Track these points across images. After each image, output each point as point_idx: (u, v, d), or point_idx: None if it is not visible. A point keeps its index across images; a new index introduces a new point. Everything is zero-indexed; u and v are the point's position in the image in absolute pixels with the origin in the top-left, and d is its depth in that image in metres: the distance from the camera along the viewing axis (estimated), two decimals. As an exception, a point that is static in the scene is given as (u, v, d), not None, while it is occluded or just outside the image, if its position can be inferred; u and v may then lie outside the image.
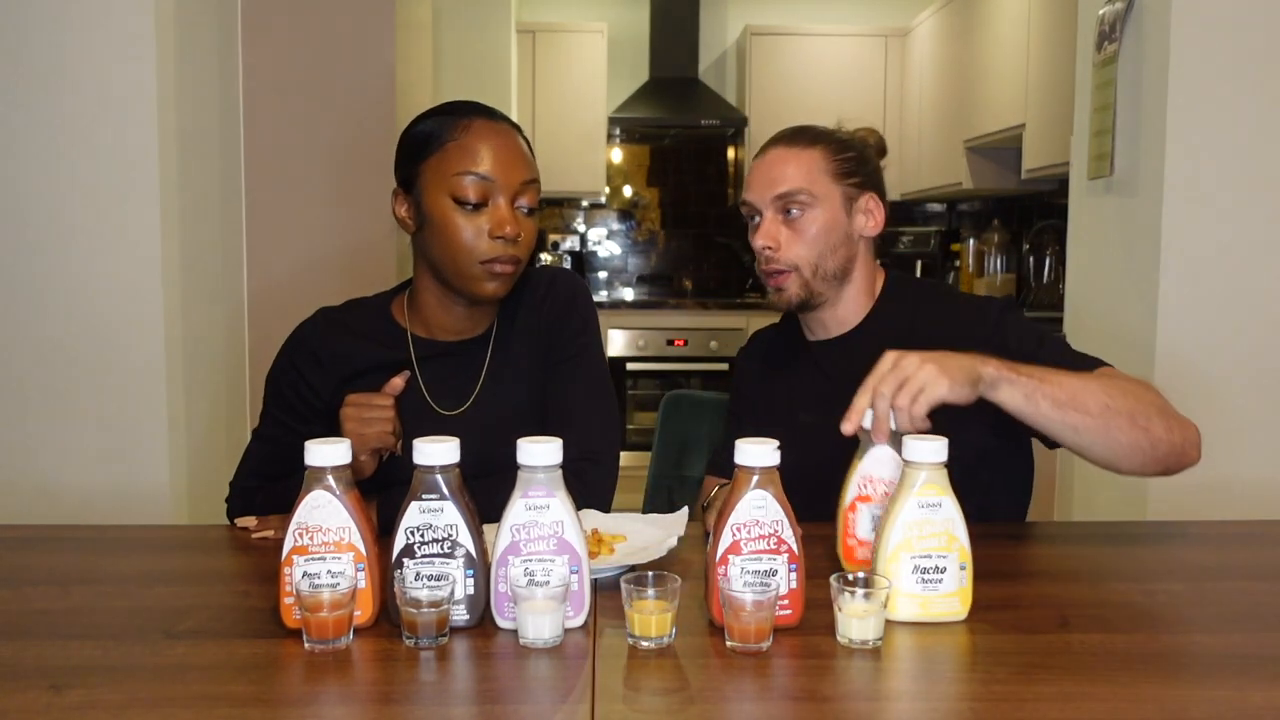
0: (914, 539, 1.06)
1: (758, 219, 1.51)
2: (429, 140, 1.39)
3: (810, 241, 1.48)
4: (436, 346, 1.48)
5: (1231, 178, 2.08)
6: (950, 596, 1.06)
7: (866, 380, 1.20)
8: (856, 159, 1.52)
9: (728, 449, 1.43)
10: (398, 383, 1.39)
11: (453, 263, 1.38)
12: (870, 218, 1.52)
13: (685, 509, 1.30)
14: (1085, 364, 1.38)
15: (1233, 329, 2.10)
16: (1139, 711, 0.87)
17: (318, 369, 1.46)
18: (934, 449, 1.06)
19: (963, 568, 1.06)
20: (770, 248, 1.48)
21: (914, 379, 1.18)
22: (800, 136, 1.52)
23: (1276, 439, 2.10)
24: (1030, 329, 1.46)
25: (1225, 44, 2.06)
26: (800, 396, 1.54)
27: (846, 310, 1.54)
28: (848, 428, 1.18)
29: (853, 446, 1.21)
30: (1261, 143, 2.08)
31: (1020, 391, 1.23)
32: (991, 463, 1.44)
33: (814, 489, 1.21)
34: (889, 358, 1.21)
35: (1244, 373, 2.11)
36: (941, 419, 1.18)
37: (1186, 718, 0.86)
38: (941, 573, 1.06)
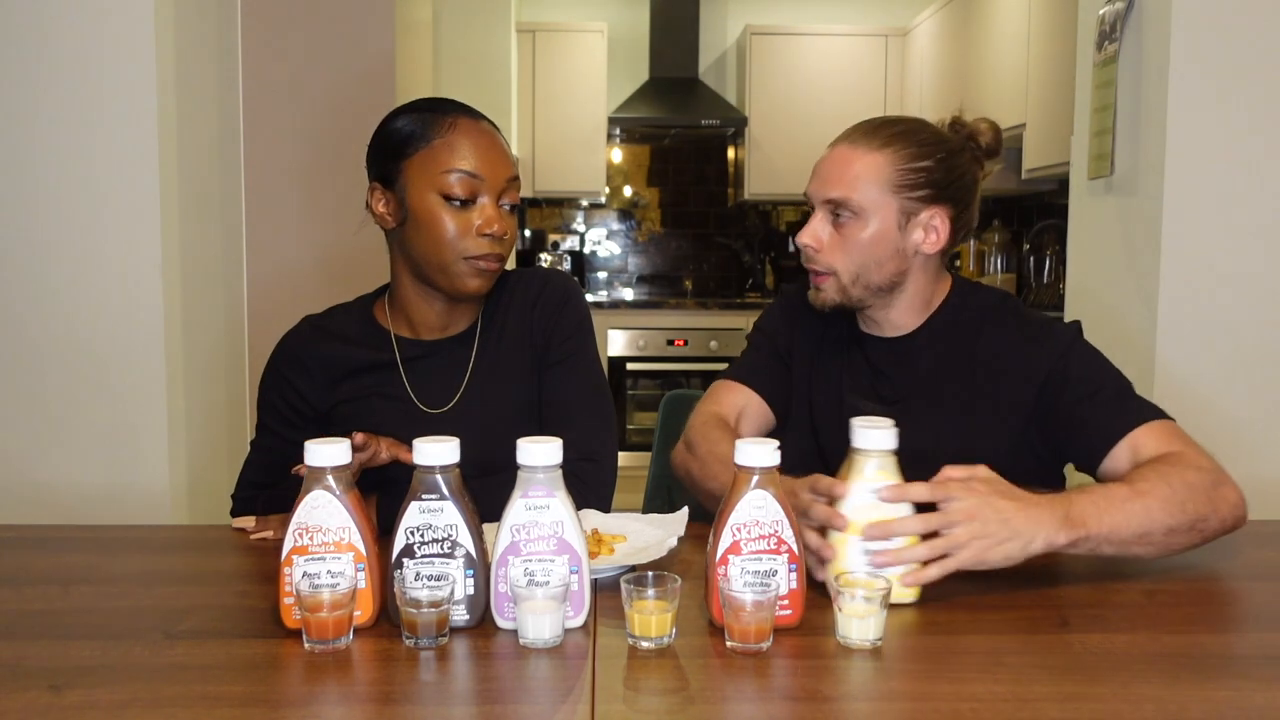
0: (862, 525, 1.07)
1: (813, 211, 1.43)
2: (412, 138, 1.40)
3: (852, 251, 1.39)
4: (421, 346, 1.48)
5: (1231, 178, 2.08)
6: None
7: (938, 485, 1.10)
8: (933, 168, 1.38)
9: (749, 365, 1.53)
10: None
11: (438, 258, 1.39)
12: (931, 234, 1.40)
13: (685, 509, 1.30)
14: (1141, 415, 1.30)
15: (1233, 328, 2.10)
16: (1139, 711, 0.87)
17: (305, 375, 1.47)
18: (883, 436, 1.07)
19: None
20: (812, 247, 1.41)
21: (966, 534, 1.07)
22: (874, 134, 1.40)
23: (1276, 438, 2.10)
24: (1096, 367, 1.38)
25: (1225, 44, 2.06)
26: (851, 383, 1.47)
27: (899, 316, 1.45)
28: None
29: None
30: (1261, 143, 2.08)
31: (1084, 549, 1.15)
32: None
33: None
34: (965, 484, 1.10)
35: (1244, 372, 2.11)
36: (972, 455, 1.15)
37: (1186, 718, 0.86)
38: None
